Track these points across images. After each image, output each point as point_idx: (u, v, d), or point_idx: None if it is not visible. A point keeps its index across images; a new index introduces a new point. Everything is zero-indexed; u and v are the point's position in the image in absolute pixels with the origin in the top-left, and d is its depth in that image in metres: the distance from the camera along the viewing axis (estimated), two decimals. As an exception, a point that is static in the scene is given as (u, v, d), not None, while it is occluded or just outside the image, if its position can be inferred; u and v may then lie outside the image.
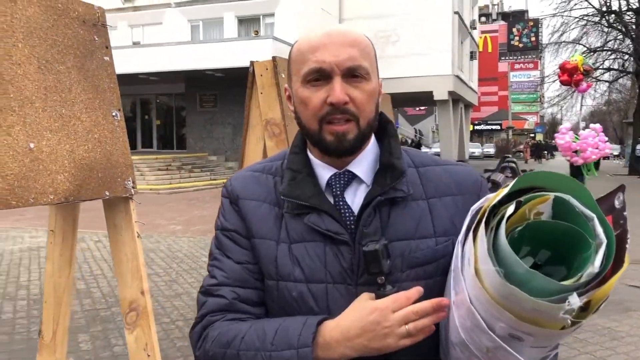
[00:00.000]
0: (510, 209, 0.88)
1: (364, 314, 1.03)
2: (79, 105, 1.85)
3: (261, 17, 24.72)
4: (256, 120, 3.29)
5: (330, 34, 1.13)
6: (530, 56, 48.54)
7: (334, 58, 1.10)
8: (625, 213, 0.88)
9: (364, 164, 1.19)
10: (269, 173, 1.23)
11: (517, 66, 60.24)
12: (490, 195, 0.95)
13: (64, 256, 2.12)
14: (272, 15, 24.29)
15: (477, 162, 32.78)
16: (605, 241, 0.84)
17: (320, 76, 1.11)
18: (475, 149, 47.77)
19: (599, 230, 0.86)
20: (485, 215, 0.91)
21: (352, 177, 1.19)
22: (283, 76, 3.21)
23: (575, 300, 0.80)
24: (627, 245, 0.85)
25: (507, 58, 50.15)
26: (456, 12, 26.43)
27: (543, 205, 0.90)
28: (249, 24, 24.97)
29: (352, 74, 1.12)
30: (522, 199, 0.90)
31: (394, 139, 1.23)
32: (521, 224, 0.90)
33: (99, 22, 1.99)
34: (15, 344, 4.67)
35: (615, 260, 0.84)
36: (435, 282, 1.11)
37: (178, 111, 26.23)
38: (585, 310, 0.85)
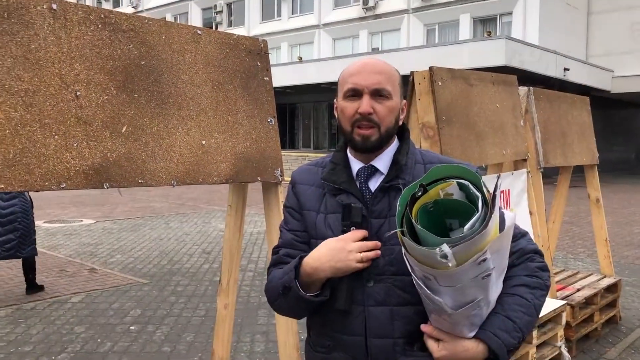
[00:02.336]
0: (418, 192, 1.25)
1: (331, 244, 1.49)
2: (242, 114, 2.53)
3: (498, 16, 24.21)
4: (414, 123, 3.70)
5: (366, 64, 1.59)
6: None
7: (364, 81, 1.55)
8: (497, 193, 1.18)
9: (384, 160, 1.61)
10: (320, 166, 1.71)
11: None
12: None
13: (236, 225, 2.85)
14: (510, 14, 23.63)
15: None
16: (478, 212, 1.17)
17: (354, 94, 1.56)
18: None
19: (479, 205, 1.18)
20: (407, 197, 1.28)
21: (375, 170, 1.61)
22: (440, 84, 3.57)
23: (445, 248, 1.14)
24: (493, 217, 1.15)
25: None
26: None
27: (450, 188, 1.25)
28: (485, 25, 24.63)
29: (378, 94, 1.55)
30: (424, 183, 1.25)
31: (406, 142, 1.62)
32: (431, 201, 1.25)
33: (262, 52, 2.66)
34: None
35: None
36: None
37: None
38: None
